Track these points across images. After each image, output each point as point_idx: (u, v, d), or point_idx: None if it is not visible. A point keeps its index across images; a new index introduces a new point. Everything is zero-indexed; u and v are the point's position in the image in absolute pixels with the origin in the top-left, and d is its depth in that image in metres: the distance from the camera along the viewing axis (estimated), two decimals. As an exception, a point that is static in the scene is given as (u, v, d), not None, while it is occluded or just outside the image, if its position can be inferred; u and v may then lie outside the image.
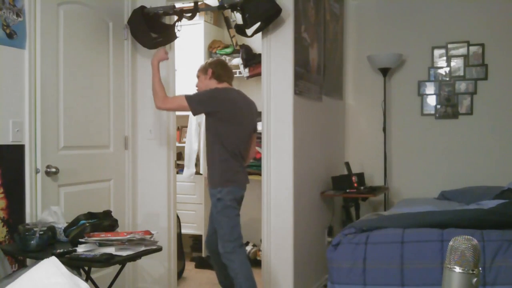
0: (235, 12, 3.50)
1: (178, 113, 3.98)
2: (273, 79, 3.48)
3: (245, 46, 4.81)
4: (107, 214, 2.79)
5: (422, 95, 4.58)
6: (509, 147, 4.31)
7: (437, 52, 4.52)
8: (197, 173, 4.92)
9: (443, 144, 4.50)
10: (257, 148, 4.65)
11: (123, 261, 2.48)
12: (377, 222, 2.90)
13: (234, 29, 4.04)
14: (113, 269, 2.71)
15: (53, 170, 2.99)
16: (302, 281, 3.62)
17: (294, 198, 3.46)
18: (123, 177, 3.66)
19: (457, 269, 1.30)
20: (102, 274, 3.07)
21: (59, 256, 2.11)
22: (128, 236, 2.50)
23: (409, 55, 4.58)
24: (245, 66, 4.79)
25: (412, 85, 4.60)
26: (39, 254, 2.42)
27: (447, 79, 4.50)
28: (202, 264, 4.75)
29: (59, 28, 3.10)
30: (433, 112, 4.55)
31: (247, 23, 3.36)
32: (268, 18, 3.36)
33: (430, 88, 4.56)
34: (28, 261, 2.74)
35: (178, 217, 4.19)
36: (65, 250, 2.40)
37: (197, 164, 4.92)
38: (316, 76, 3.95)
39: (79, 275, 2.19)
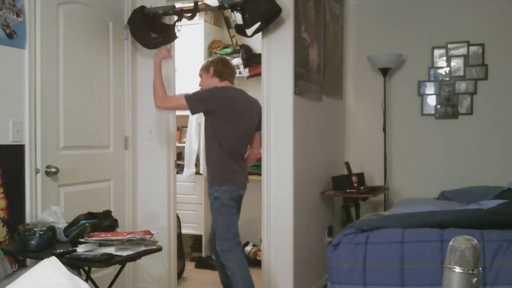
0: (235, 12, 3.50)
1: (178, 113, 3.98)
2: (273, 79, 3.48)
3: (245, 46, 4.81)
4: (107, 214, 2.79)
5: (422, 95, 4.58)
6: (509, 147, 4.31)
7: (437, 52, 4.52)
8: (197, 173, 4.92)
9: (443, 144, 4.50)
10: (257, 148, 4.67)
11: (123, 261, 2.48)
12: (377, 222, 2.90)
13: (234, 29, 4.04)
14: (113, 269, 2.72)
15: (53, 170, 2.99)
16: (302, 281, 3.62)
17: (294, 198, 3.46)
18: (123, 177, 3.66)
19: (457, 269, 1.30)
20: (102, 274, 3.08)
21: (59, 256, 2.11)
22: (128, 236, 2.50)
23: (409, 55, 4.58)
24: (245, 66, 4.79)
25: (412, 85, 4.60)
26: (39, 254, 2.42)
27: (447, 79, 4.50)
28: (202, 264, 4.75)
29: (59, 28, 3.10)
30: (433, 112, 4.55)
31: (247, 23, 3.36)
32: (268, 18, 3.36)
33: (430, 88, 4.56)
34: (28, 261, 2.74)
35: (178, 217, 4.19)
36: (65, 250, 2.40)
37: (197, 164, 4.92)
38: (316, 76, 3.95)
39: (79, 275, 2.19)
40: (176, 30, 3.64)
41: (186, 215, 4.85)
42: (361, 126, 4.77)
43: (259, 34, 3.52)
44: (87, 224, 2.58)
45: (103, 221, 2.67)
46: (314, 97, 3.92)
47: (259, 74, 4.10)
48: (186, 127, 5.01)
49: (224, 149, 3.21)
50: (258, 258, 4.59)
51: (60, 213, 2.78)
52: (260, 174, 3.72)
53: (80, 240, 2.49)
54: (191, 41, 4.89)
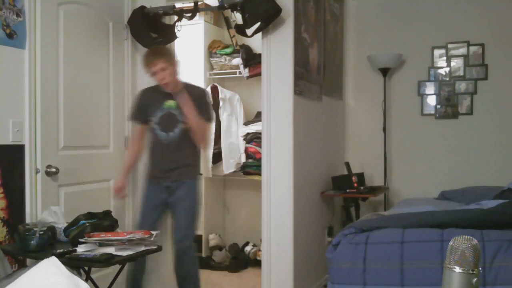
0: (235, 12, 3.50)
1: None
2: (273, 79, 3.48)
3: (245, 46, 4.81)
4: (107, 214, 2.79)
5: (422, 95, 4.58)
6: (509, 147, 4.31)
7: (437, 52, 4.52)
8: (197, 173, 4.92)
9: (443, 144, 4.50)
10: (257, 148, 4.68)
11: (123, 261, 2.48)
12: (377, 222, 2.90)
13: (234, 29, 4.04)
14: (113, 269, 2.71)
15: (53, 170, 2.99)
16: (302, 281, 3.62)
17: (294, 198, 3.46)
18: (123, 177, 3.66)
19: (457, 269, 1.30)
20: (102, 274, 3.07)
21: (59, 256, 2.10)
22: (128, 236, 2.50)
23: (409, 55, 4.58)
24: (245, 66, 4.79)
25: (412, 85, 4.60)
26: (39, 254, 2.42)
27: (447, 79, 4.50)
28: (202, 264, 4.73)
29: (59, 28, 3.10)
30: (433, 112, 4.55)
31: (247, 23, 3.36)
32: (268, 18, 3.36)
33: (430, 88, 4.56)
34: (28, 261, 2.74)
35: (178, 217, 4.18)
36: (65, 250, 2.40)
37: (197, 164, 4.92)
38: (316, 76, 3.96)
39: (79, 275, 2.19)
40: (176, 30, 3.64)
41: (186, 215, 4.84)
42: (361, 126, 4.76)
43: (259, 34, 3.52)
44: (87, 224, 2.58)
45: (103, 221, 2.67)
46: (314, 97, 3.92)
47: (259, 74, 4.10)
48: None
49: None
50: (258, 258, 4.59)
51: (60, 213, 2.78)
52: (260, 174, 3.72)
53: (80, 240, 2.49)
54: (191, 41, 4.89)
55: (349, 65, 4.79)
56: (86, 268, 2.55)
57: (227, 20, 4.64)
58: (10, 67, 2.79)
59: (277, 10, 3.33)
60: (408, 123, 4.61)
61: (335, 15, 4.45)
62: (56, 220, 2.73)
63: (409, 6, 4.59)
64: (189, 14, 3.57)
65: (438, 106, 4.53)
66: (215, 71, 5.03)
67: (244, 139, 4.82)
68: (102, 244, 2.46)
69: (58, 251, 2.37)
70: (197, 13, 3.66)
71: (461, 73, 4.46)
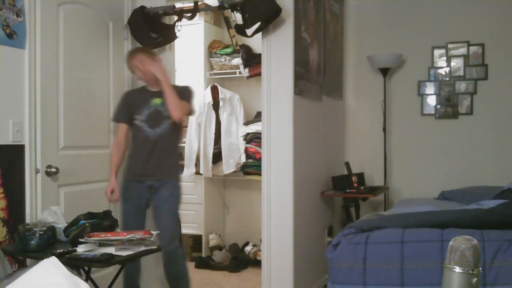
0: (235, 12, 3.50)
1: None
2: (273, 79, 3.48)
3: (245, 46, 4.81)
4: (107, 214, 2.79)
5: (422, 95, 4.58)
6: (509, 147, 4.31)
7: (437, 52, 4.52)
8: (197, 173, 4.92)
9: (443, 144, 4.50)
10: (257, 148, 4.68)
11: (123, 261, 2.48)
12: (377, 222, 2.90)
13: (234, 29, 4.04)
14: (113, 269, 2.71)
15: (53, 170, 2.99)
16: (302, 281, 3.62)
17: (294, 198, 3.46)
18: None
19: (457, 269, 1.30)
20: (102, 274, 3.07)
21: (59, 256, 2.10)
22: (128, 236, 2.50)
23: (409, 55, 4.58)
24: (245, 66, 4.79)
25: (412, 85, 4.60)
26: (39, 254, 2.42)
27: (447, 79, 4.50)
28: (202, 264, 4.75)
29: (59, 28, 3.10)
30: (433, 112, 4.55)
31: (247, 23, 3.36)
32: (268, 18, 3.36)
33: (430, 88, 4.56)
34: (28, 261, 2.74)
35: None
36: (65, 250, 2.40)
37: (197, 164, 4.93)
38: (316, 76, 3.95)
39: (79, 275, 2.19)
40: (176, 30, 3.64)
41: (186, 215, 4.84)
42: (361, 126, 4.76)
43: (259, 34, 3.52)
44: (87, 224, 2.58)
45: (103, 221, 2.67)
46: (314, 97, 3.92)
47: (259, 74, 4.10)
48: (186, 127, 5.02)
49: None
50: (258, 258, 4.59)
51: (60, 213, 2.78)
52: (260, 174, 3.72)
53: (80, 240, 2.49)
54: (191, 41, 4.89)
55: (349, 65, 4.79)
56: (86, 268, 2.55)
57: (227, 20, 4.64)
58: (10, 67, 2.79)
59: (277, 10, 3.33)
60: (408, 123, 4.61)
61: (335, 15, 4.45)
62: (56, 220, 2.73)
63: (409, 6, 4.59)
64: (189, 14, 3.57)
65: (438, 106, 4.53)
66: (215, 71, 5.04)
67: (244, 139, 4.82)
68: (102, 244, 2.46)
69: (58, 251, 2.37)
70: (197, 13, 3.66)
71: (461, 73, 4.46)
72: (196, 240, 5.07)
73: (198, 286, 4.21)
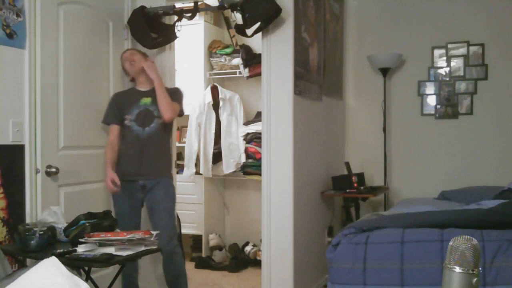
0: (235, 12, 3.50)
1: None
2: (273, 79, 3.48)
3: (245, 46, 4.81)
4: (107, 214, 2.79)
5: (422, 95, 4.58)
6: (509, 147, 4.31)
7: (437, 52, 4.52)
8: (197, 173, 4.92)
9: (443, 144, 4.50)
10: (257, 148, 4.68)
11: (123, 261, 2.48)
12: (377, 222, 2.90)
13: (234, 29, 4.04)
14: (113, 269, 2.71)
15: (53, 170, 2.99)
16: (302, 281, 3.62)
17: (294, 198, 3.46)
18: (123, 177, 3.65)
19: (457, 269, 1.30)
20: (102, 274, 3.07)
21: (59, 256, 2.10)
22: (128, 236, 2.50)
23: (409, 55, 4.58)
24: (245, 66, 4.79)
25: (412, 85, 4.60)
26: (39, 254, 2.42)
27: (447, 79, 4.50)
28: (202, 264, 4.75)
29: (59, 28, 3.10)
30: (433, 112, 4.55)
31: (247, 23, 3.36)
32: (268, 18, 3.36)
33: (430, 88, 4.56)
34: (28, 261, 2.74)
35: (178, 217, 4.19)
36: (65, 250, 2.40)
37: (197, 164, 4.93)
38: (316, 76, 3.95)
39: (79, 275, 2.19)
40: (176, 30, 3.64)
41: (186, 215, 4.85)
42: (361, 126, 4.76)
43: (259, 34, 3.52)
44: (87, 224, 2.58)
45: (103, 221, 2.67)
46: (314, 97, 3.92)
47: (259, 74, 4.10)
48: (186, 127, 5.02)
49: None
50: (258, 258, 4.59)
51: (60, 213, 2.78)
52: (260, 174, 3.72)
53: (80, 240, 2.49)
54: (191, 41, 4.89)
55: (349, 65, 4.79)
56: (86, 268, 2.55)
57: (227, 20, 4.64)
58: (10, 67, 2.79)
59: (277, 10, 3.33)
60: (408, 123, 4.61)
61: (335, 15, 4.45)
62: (56, 220, 2.73)
63: (409, 6, 4.59)
64: (189, 14, 3.57)
65: (438, 106, 4.53)
66: (215, 71, 5.04)
67: (244, 139, 4.82)
68: (102, 244, 2.46)
69: (58, 251, 2.37)
70: (197, 13, 3.66)
71: (461, 73, 4.46)
72: (196, 240, 5.07)
73: (198, 286, 4.22)
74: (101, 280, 2.78)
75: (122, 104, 3.29)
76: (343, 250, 2.73)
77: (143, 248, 2.52)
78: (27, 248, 2.49)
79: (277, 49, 3.47)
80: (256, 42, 4.55)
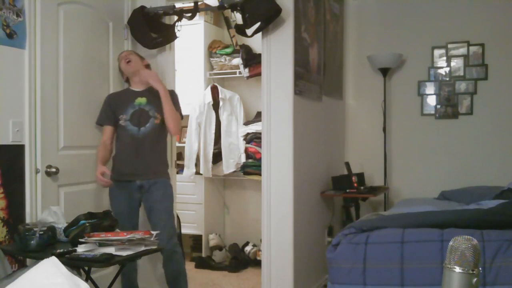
0: (235, 12, 3.50)
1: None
2: (273, 79, 3.48)
3: (245, 46, 4.81)
4: (107, 214, 2.79)
5: (422, 95, 4.58)
6: (509, 147, 4.30)
7: (437, 52, 4.52)
8: (197, 173, 4.92)
9: (443, 144, 4.50)
10: (257, 148, 4.68)
11: (123, 261, 2.48)
12: (377, 222, 2.90)
13: (234, 29, 4.04)
14: (113, 269, 2.72)
15: (53, 170, 3.00)
16: (302, 281, 3.62)
17: (294, 198, 3.46)
18: (123, 177, 3.65)
19: (457, 269, 1.30)
20: (102, 274, 3.07)
21: (59, 256, 2.10)
22: (128, 236, 2.50)
23: (409, 55, 4.58)
24: (245, 66, 4.79)
25: (412, 85, 4.60)
26: (39, 254, 2.42)
27: (447, 79, 4.50)
28: (202, 264, 4.75)
29: (59, 28, 3.10)
30: (433, 112, 4.55)
31: (247, 23, 3.36)
32: (268, 18, 3.36)
33: (430, 88, 4.56)
34: (28, 261, 2.74)
35: (178, 217, 4.19)
36: (65, 250, 2.40)
37: (197, 164, 4.93)
38: (316, 76, 3.95)
39: (79, 275, 2.19)
40: (176, 30, 3.64)
41: (186, 215, 4.85)
42: (361, 126, 4.76)
43: (259, 34, 3.52)
44: (87, 224, 2.58)
45: (103, 221, 2.67)
46: (314, 97, 3.92)
47: (259, 74, 4.11)
48: (186, 127, 5.02)
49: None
50: (258, 258, 4.59)
51: (60, 213, 2.78)
52: (260, 174, 3.72)
53: (80, 240, 2.49)
54: (191, 41, 4.89)
55: (349, 65, 4.79)
56: (86, 268, 2.55)
57: (227, 20, 4.64)
58: (10, 67, 2.79)
59: (277, 10, 3.33)
60: (408, 123, 4.61)
61: (335, 15, 4.45)
62: (56, 220, 2.73)
63: (409, 6, 4.59)
64: (189, 14, 3.57)
65: (438, 106, 4.53)
66: (215, 71, 5.04)
67: (244, 139, 4.82)
68: (102, 244, 2.46)
69: (58, 251, 2.37)
70: (197, 13, 3.66)
71: (461, 73, 4.46)
72: (196, 240, 5.07)
73: (198, 286, 4.22)
74: (101, 280, 2.79)
75: (115, 105, 3.30)
76: (343, 250, 2.73)
77: (143, 248, 2.52)
78: (27, 248, 2.49)
79: (277, 49, 3.47)
80: (256, 42, 4.55)
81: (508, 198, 3.20)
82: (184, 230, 4.74)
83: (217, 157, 4.91)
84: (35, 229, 2.50)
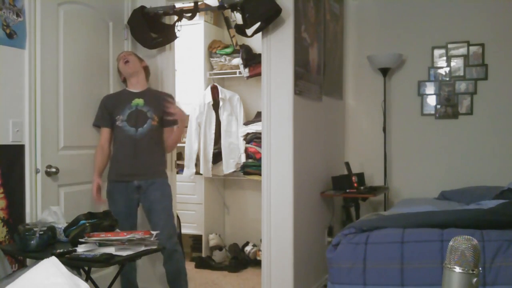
0: (235, 12, 3.50)
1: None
2: (273, 79, 3.48)
3: (245, 46, 4.81)
4: (107, 214, 2.79)
5: (422, 95, 4.58)
6: (509, 147, 4.30)
7: (437, 52, 4.52)
8: (197, 173, 4.92)
9: (443, 144, 4.50)
10: (257, 148, 4.68)
11: (123, 261, 2.48)
12: (377, 222, 2.90)
13: (234, 29, 4.04)
14: (113, 269, 2.72)
15: (53, 170, 3.00)
16: (302, 281, 3.62)
17: (294, 198, 3.46)
18: (123, 177, 3.65)
19: (457, 269, 1.30)
20: (102, 274, 3.07)
21: (59, 256, 2.11)
22: (128, 236, 2.50)
23: (409, 55, 4.58)
24: (245, 66, 4.79)
25: (412, 85, 4.60)
26: (39, 254, 2.42)
27: (447, 79, 4.50)
28: (202, 264, 4.75)
29: (59, 28, 3.11)
30: (433, 112, 4.55)
31: (247, 23, 3.36)
32: (268, 18, 3.36)
33: (430, 88, 4.56)
34: (28, 261, 2.74)
35: (178, 217, 4.19)
36: (65, 250, 2.40)
37: (197, 164, 4.93)
38: (316, 76, 3.96)
39: (79, 275, 2.19)
40: (176, 30, 3.64)
41: (186, 215, 4.85)
42: (361, 126, 4.77)
43: (259, 34, 3.52)
44: (87, 224, 2.58)
45: (103, 221, 2.67)
46: (314, 97, 3.92)
47: (259, 74, 4.11)
48: (186, 127, 5.02)
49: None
50: (258, 258, 4.59)
51: (60, 213, 2.78)
52: (260, 174, 3.72)
53: (80, 240, 2.49)
54: (191, 41, 4.89)
55: (349, 65, 4.79)
56: (86, 268, 2.55)
57: (227, 20, 4.65)
58: (10, 67, 2.79)
59: (277, 10, 3.33)
60: (408, 123, 4.61)
61: (335, 15, 4.45)
62: (56, 220, 2.73)
63: (409, 6, 4.59)
64: (189, 14, 3.57)
65: (438, 106, 4.53)
66: (215, 71, 5.04)
67: (244, 139, 4.82)
68: (102, 244, 2.46)
69: (58, 251, 2.37)
70: (197, 13, 3.66)
71: (461, 73, 4.46)
72: (196, 240, 5.07)
73: (198, 286, 4.22)
74: (101, 280, 2.79)
75: (112, 106, 3.30)
76: (343, 250, 2.73)
77: (143, 248, 2.52)
78: (27, 248, 2.49)
79: (277, 49, 3.47)
80: (256, 42, 4.55)
81: (508, 198, 3.20)
82: (184, 230, 4.74)
83: (217, 157, 4.92)
84: (35, 229, 2.50)
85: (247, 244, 4.91)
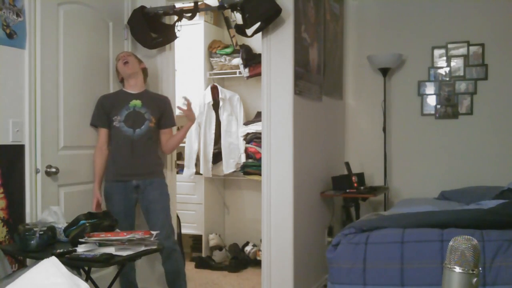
0: (235, 12, 3.50)
1: (178, 112, 3.97)
2: (273, 79, 3.48)
3: (245, 46, 4.81)
4: (107, 214, 2.79)
5: (422, 95, 4.58)
6: (509, 147, 4.30)
7: (437, 52, 4.52)
8: (197, 173, 4.92)
9: (443, 144, 4.50)
10: (257, 148, 4.68)
11: (123, 261, 2.48)
12: (377, 222, 2.90)
13: (234, 29, 4.04)
14: (113, 269, 2.71)
15: (53, 170, 3.00)
16: (302, 281, 3.62)
17: (294, 198, 3.46)
18: (123, 177, 3.65)
19: (457, 269, 1.30)
20: (102, 274, 3.07)
21: (59, 256, 2.11)
22: (128, 236, 2.50)
23: (409, 55, 4.58)
24: (245, 66, 4.79)
25: (412, 85, 4.60)
26: (39, 254, 2.42)
27: (447, 79, 4.50)
28: (202, 264, 4.75)
29: (59, 28, 3.10)
30: (433, 112, 4.55)
31: (247, 23, 3.36)
32: (268, 18, 3.36)
33: (430, 88, 4.56)
34: (28, 261, 2.74)
35: (178, 217, 4.19)
36: (65, 250, 2.40)
37: (197, 164, 4.93)
38: (316, 76, 3.95)
39: (79, 275, 2.19)
40: (176, 30, 3.64)
41: (186, 215, 4.85)
42: (361, 126, 4.77)
43: (259, 34, 3.52)
44: (87, 224, 2.58)
45: (103, 221, 2.67)
46: (314, 97, 3.92)
47: (259, 74, 4.11)
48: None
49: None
50: (258, 258, 4.59)
51: (60, 213, 2.78)
52: (260, 174, 3.72)
53: (80, 240, 2.49)
54: (191, 41, 4.89)
55: (349, 65, 4.79)
56: (86, 268, 2.55)
57: (227, 20, 4.65)
58: (10, 67, 2.79)
59: (277, 10, 3.33)
60: (408, 123, 4.61)
61: (335, 15, 4.45)
62: (56, 220, 2.73)
63: (409, 6, 4.59)
64: (189, 14, 3.57)
65: (438, 106, 4.53)
66: (215, 71, 5.04)
67: (244, 139, 4.83)
68: (102, 244, 2.46)
69: (58, 251, 2.37)
70: (197, 13, 3.66)
71: (461, 73, 4.46)
72: (196, 240, 5.07)
73: (198, 286, 4.22)
74: (101, 280, 2.79)
75: (109, 106, 3.30)
76: (343, 250, 2.73)
77: (143, 248, 2.52)
78: (27, 248, 2.49)
79: (277, 49, 3.47)
80: (256, 42, 4.55)
81: (508, 198, 3.20)
82: (184, 230, 4.74)
83: (217, 157, 4.92)
84: (35, 229, 2.50)
85: (247, 244, 4.91)
